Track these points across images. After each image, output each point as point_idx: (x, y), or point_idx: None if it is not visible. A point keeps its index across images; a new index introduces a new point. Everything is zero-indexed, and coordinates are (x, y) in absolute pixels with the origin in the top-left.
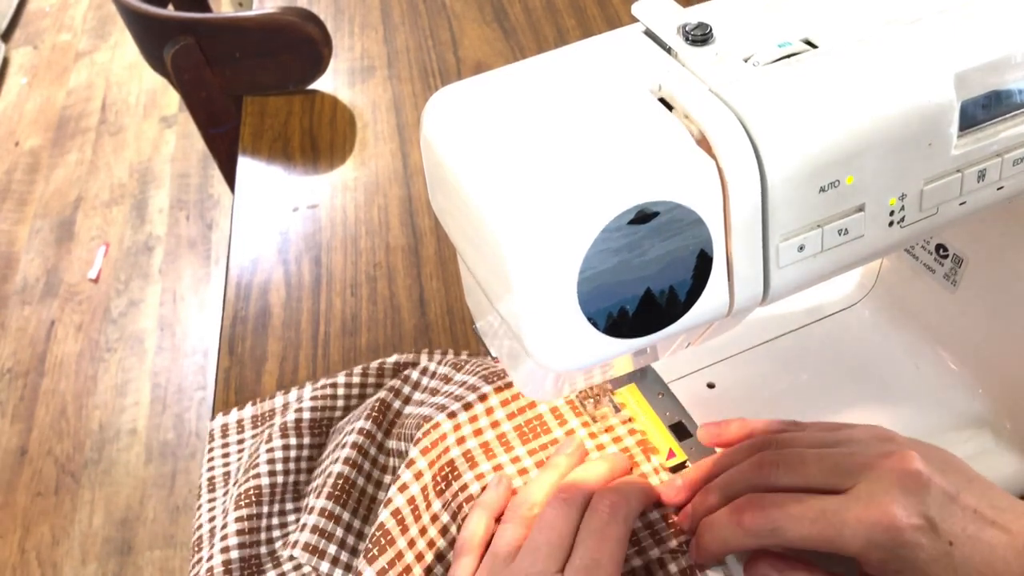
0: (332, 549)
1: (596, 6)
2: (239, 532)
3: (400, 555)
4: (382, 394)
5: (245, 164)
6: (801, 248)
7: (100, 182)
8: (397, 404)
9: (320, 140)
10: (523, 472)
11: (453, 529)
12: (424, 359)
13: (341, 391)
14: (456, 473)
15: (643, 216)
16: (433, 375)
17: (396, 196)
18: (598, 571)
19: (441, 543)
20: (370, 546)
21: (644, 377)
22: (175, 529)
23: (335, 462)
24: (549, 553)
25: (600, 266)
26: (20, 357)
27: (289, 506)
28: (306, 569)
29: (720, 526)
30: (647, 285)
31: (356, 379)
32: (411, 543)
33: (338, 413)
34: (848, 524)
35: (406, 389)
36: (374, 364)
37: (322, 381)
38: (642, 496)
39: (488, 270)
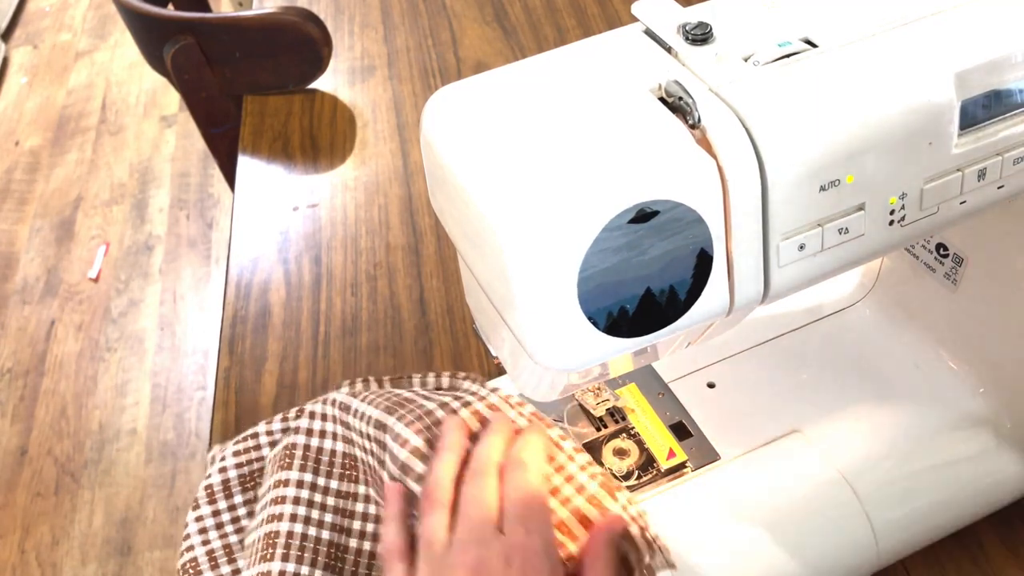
0: None
1: (596, 6)
2: None
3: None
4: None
5: (245, 164)
6: (801, 247)
7: (100, 182)
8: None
9: (320, 140)
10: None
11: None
12: (332, 394)
13: (264, 439)
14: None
15: (643, 215)
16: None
17: (396, 195)
18: (533, 501)
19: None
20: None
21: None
22: (175, 529)
23: (280, 519)
24: (483, 519)
25: (600, 265)
26: (20, 357)
27: (241, 564)
28: None
29: None
30: (647, 284)
31: (277, 425)
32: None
33: (267, 463)
34: None
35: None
36: (292, 411)
37: (243, 434)
38: (545, 448)
39: (488, 269)
